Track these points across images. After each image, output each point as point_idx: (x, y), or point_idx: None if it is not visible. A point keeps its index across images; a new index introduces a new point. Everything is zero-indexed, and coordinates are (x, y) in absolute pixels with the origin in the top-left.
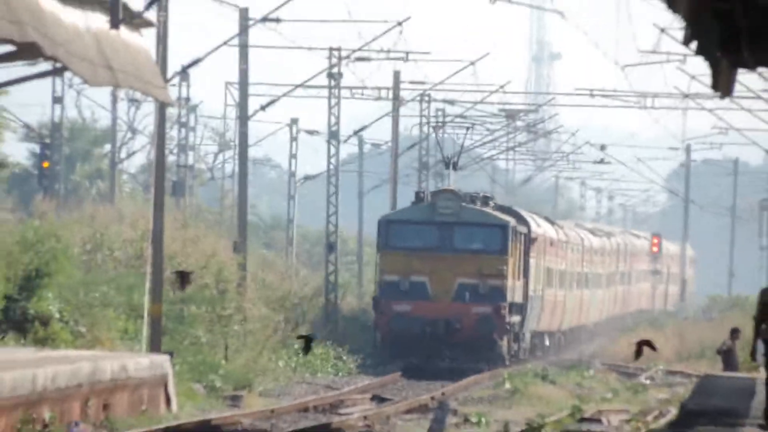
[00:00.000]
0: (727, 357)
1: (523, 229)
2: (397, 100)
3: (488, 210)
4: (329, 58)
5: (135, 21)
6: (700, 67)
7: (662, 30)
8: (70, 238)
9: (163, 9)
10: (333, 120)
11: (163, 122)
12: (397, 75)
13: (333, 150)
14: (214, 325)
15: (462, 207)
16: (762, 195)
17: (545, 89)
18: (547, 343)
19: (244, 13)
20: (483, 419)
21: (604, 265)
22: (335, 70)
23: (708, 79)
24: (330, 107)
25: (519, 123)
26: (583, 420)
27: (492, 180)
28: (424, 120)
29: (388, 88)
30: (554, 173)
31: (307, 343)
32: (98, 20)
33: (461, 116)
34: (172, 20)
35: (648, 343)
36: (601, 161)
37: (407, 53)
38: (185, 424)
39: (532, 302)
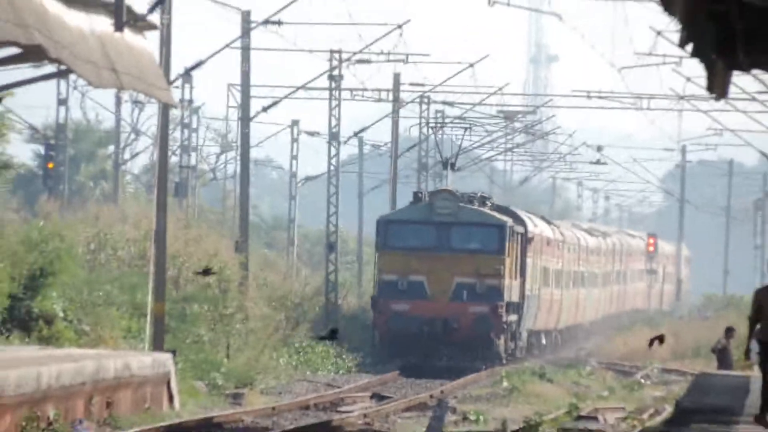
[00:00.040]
0: (722, 355)
1: (520, 228)
2: (396, 102)
3: (485, 210)
4: (330, 60)
5: (138, 24)
6: (696, 69)
7: (658, 33)
8: (74, 237)
9: (167, 12)
10: (333, 121)
11: (166, 124)
12: (397, 77)
13: (333, 151)
14: (216, 324)
15: (459, 207)
16: (756, 195)
17: (543, 91)
18: (543, 341)
19: (246, 16)
20: (481, 417)
21: (600, 264)
22: (336, 72)
23: (703, 81)
24: (330, 109)
25: (517, 124)
26: (580, 418)
27: (490, 180)
28: (424, 121)
29: (388, 90)
30: (551, 174)
31: (333, 334)
32: (102, 23)
33: (460, 117)
34: (175, 23)
35: (660, 339)
36: (598, 162)
37: (407, 55)
38: (188, 421)
39: (529, 301)
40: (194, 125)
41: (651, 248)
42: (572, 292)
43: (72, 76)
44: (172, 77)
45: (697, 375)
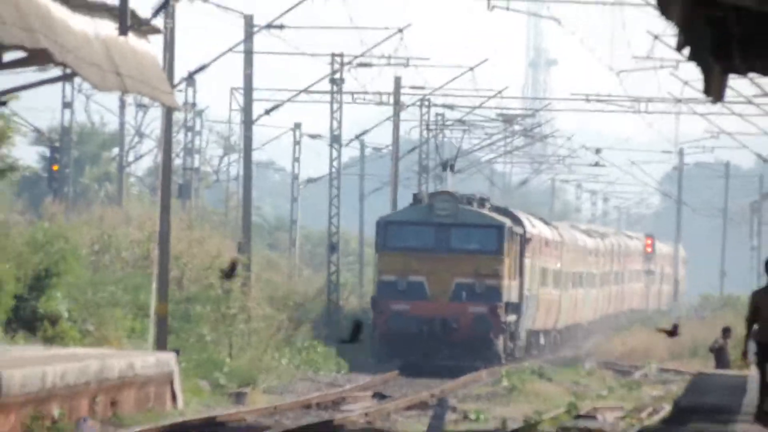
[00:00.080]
0: (719, 355)
1: (518, 229)
2: (397, 105)
3: (484, 211)
4: (332, 64)
5: (142, 28)
6: (693, 72)
7: (656, 37)
8: (79, 239)
9: (170, 16)
10: (335, 124)
11: (169, 126)
12: (397, 80)
13: (335, 153)
14: (219, 324)
15: (459, 208)
16: (753, 197)
17: (542, 94)
18: (542, 341)
19: (249, 20)
20: (481, 416)
21: (598, 265)
22: (337, 75)
23: (700, 85)
24: (332, 112)
25: (516, 127)
26: (579, 417)
27: (490, 182)
28: (424, 124)
29: (389, 93)
30: (550, 176)
31: (357, 331)
32: (107, 27)
33: (460, 120)
34: (178, 27)
35: (672, 332)
36: (596, 164)
37: (408, 59)
38: (191, 420)
39: (528, 301)
40: (198, 128)
41: (649, 249)
42: (571, 292)
43: (77, 80)
44: (176, 81)
45: (694, 374)
